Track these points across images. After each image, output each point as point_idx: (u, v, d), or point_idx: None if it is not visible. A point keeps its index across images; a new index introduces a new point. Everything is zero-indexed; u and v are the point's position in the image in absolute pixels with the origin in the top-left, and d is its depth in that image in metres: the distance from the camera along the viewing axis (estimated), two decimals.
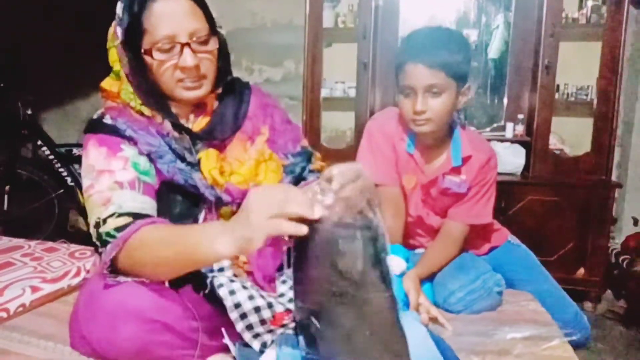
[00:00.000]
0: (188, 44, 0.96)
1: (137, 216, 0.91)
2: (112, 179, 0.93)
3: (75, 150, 2.67)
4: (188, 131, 1.03)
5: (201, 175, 1.01)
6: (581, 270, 2.32)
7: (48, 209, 2.67)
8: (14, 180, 2.56)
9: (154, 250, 0.87)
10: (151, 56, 0.97)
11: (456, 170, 1.36)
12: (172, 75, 0.98)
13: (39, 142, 2.66)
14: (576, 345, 1.13)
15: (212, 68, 1.01)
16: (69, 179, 2.65)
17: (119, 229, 0.89)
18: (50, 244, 1.65)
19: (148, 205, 0.95)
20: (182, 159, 1.01)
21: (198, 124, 1.06)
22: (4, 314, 1.20)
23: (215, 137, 1.05)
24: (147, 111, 1.00)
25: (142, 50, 0.97)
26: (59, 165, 2.64)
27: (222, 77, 1.07)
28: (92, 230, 0.92)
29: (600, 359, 1.91)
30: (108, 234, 0.89)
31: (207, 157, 1.03)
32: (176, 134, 1.01)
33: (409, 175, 1.41)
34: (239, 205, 1.02)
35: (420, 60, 1.24)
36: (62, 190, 2.67)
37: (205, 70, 1.00)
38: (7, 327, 1.14)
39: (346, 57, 2.57)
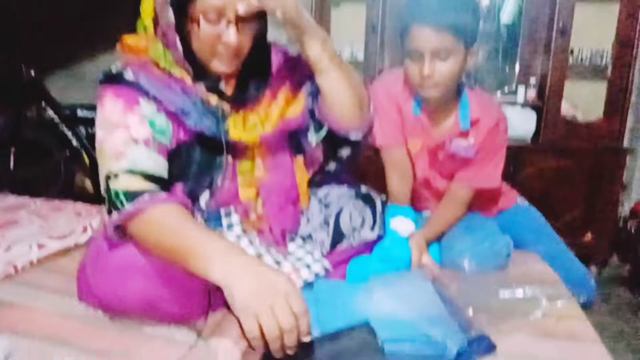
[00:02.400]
0: (236, 21, 0.92)
1: (150, 178, 0.89)
2: (127, 134, 0.91)
3: (80, 112, 2.64)
4: (222, 95, 1.01)
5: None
6: (588, 235, 2.31)
7: (54, 171, 2.67)
8: (20, 143, 2.55)
9: (157, 235, 0.84)
10: (197, 24, 0.93)
11: (464, 134, 1.33)
12: (211, 46, 0.95)
13: (44, 104, 2.63)
14: (582, 307, 1.12)
15: (249, 44, 0.99)
16: (74, 141, 2.63)
17: (129, 196, 0.86)
18: (56, 202, 1.65)
19: (161, 166, 0.93)
20: (210, 117, 0.99)
21: (228, 88, 1.04)
22: (12, 270, 1.20)
23: (247, 101, 1.04)
24: (177, 72, 0.97)
25: (189, 15, 0.93)
26: (64, 126, 2.62)
27: (258, 50, 1.04)
28: (102, 182, 0.91)
29: (604, 320, 1.92)
30: (117, 196, 0.87)
31: (235, 124, 1.01)
32: (206, 97, 0.99)
33: (415, 138, 1.38)
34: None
35: (428, 23, 1.18)
36: (67, 153, 2.66)
37: (243, 46, 0.97)
38: (15, 282, 1.15)
39: (354, 18, 2.50)
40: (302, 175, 1.15)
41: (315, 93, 1.07)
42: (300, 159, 1.15)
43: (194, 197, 1.01)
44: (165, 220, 0.85)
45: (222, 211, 1.02)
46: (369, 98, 1.11)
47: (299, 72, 1.10)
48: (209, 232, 0.84)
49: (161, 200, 0.87)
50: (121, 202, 0.86)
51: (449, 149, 1.33)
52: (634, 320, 1.95)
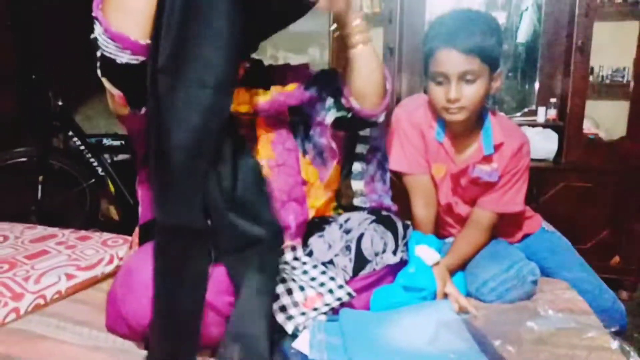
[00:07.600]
0: None
1: None
2: None
3: (105, 141, 2.71)
4: None
5: None
6: (616, 258, 2.26)
7: (80, 199, 2.72)
8: (47, 171, 2.61)
9: None
10: None
11: (487, 159, 1.32)
12: None
13: (70, 133, 2.70)
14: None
15: None
16: (99, 169, 2.68)
17: None
18: (83, 232, 1.67)
19: None
20: None
21: None
22: (42, 301, 1.22)
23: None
24: None
25: None
26: (89, 155, 2.68)
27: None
28: None
29: (636, 348, 1.85)
30: None
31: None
32: None
33: (438, 164, 1.38)
34: None
35: (454, 46, 1.19)
36: (93, 180, 2.72)
37: None
38: (45, 314, 1.16)
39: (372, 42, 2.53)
40: (311, 174, 1.23)
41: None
42: (307, 158, 1.22)
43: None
44: None
45: None
46: (386, 83, 1.19)
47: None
48: None
49: None
50: None
51: (472, 174, 1.33)
52: None
